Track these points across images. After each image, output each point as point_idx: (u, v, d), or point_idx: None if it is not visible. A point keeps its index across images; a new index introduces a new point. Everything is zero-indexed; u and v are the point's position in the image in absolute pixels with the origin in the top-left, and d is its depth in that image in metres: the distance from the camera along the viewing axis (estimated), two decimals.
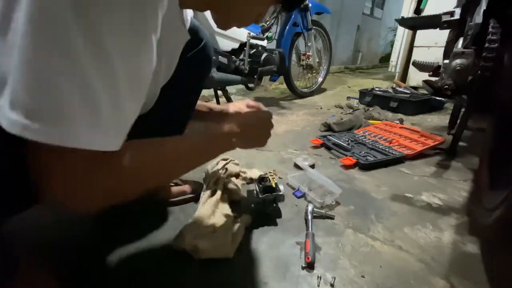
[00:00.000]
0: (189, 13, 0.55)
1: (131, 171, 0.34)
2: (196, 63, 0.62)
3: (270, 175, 0.75)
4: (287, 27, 2.09)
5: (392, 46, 3.60)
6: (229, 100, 1.79)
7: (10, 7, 0.25)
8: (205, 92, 2.12)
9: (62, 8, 0.24)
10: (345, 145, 1.18)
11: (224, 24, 0.47)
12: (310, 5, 2.11)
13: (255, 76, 1.76)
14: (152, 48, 0.32)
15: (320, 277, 0.53)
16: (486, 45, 0.87)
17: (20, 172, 0.34)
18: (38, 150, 0.27)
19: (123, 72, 0.29)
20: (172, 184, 0.76)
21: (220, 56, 1.55)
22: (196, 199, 0.76)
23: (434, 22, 1.31)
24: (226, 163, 0.86)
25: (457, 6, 1.23)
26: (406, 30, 2.99)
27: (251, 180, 0.87)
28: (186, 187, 0.77)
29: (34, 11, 0.24)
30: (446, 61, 1.09)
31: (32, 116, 0.25)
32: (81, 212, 0.32)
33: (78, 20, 0.25)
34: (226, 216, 0.65)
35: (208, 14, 0.46)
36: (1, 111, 0.25)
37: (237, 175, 0.86)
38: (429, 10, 1.75)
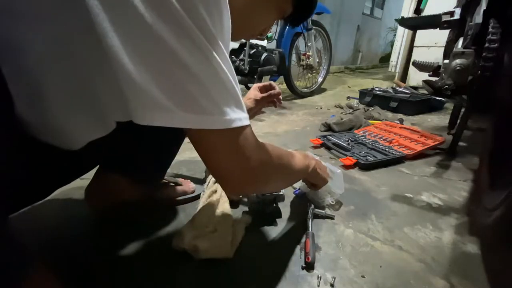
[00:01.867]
0: None
1: (272, 164, 0.43)
2: None
3: None
4: (287, 27, 2.09)
5: (392, 46, 3.59)
6: None
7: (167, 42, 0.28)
8: None
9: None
10: (345, 145, 1.18)
11: (231, 35, 0.49)
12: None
13: (255, 76, 1.77)
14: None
15: (320, 277, 0.53)
16: (486, 45, 0.87)
17: (21, 171, 0.35)
18: (207, 138, 0.34)
19: (226, 57, 0.33)
20: (172, 184, 0.76)
21: None
22: (196, 199, 0.76)
23: (434, 22, 1.31)
24: None
25: (457, 6, 1.23)
26: (406, 30, 2.98)
27: None
28: (186, 187, 0.77)
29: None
30: (446, 61, 1.09)
31: (205, 111, 0.31)
32: (239, 192, 0.43)
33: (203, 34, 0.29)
34: (226, 216, 0.65)
35: None
36: (171, 113, 0.30)
37: None
38: (429, 10, 1.75)
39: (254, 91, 0.76)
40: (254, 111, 0.77)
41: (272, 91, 0.74)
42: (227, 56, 0.33)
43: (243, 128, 0.36)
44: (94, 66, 0.34)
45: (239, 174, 0.38)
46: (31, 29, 0.30)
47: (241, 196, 0.77)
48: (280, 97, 0.73)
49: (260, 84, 0.75)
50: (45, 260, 0.37)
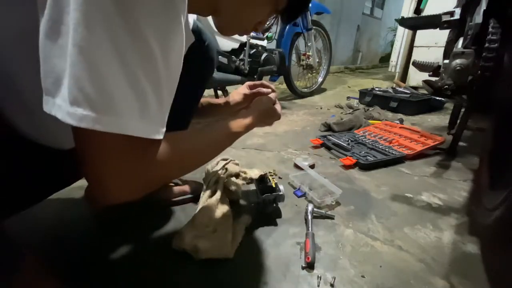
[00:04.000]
0: (191, 15, 0.55)
1: (165, 161, 0.36)
2: (199, 65, 0.62)
3: (270, 175, 0.75)
4: (287, 27, 2.09)
5: (392, 46, 3.59)
6: None
7: (60, 11, 0.25)
8: (205, 92, 2.12)
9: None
10: (345, 145, 1.18)
11: (225, 30, 0.49)
12: (310, 5, 2.11)
13: (255, 76, 1.77)
14: (183, 31, 0.32)
15: (320, 277, 0.53)
16: (486, 45, 0.87)
17: (21, 172, 0.35)
18: (87, 140, 0.29)
19: (161, 59, 0.29)
20: (172, 184, 0.76)
21: (220, 56, 1.55)
22: (196, 199, 0.76)
23: (434, 22, 1.31)
24: (226, 163, 0.86)
25: (457, 6, 1.23)
26: (406, 30, 2.98)
27: (251, 180, 0.87)
28: (186, 187, 0.77)
29: (82, 4, 0.24)
30: (446, 61, 1.09)
31: (90, 106, 0.26)
32: (118, 201, 0.34)
33: (118, 8, 0.25)
34: (226, 216, 0.65)
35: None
36: (61, 108, 0.26)
37: (237, 175, 0.86)
38: (429, 10, 1.75)
39: (244, 87, 0.74)
40: (241, 106, 0.73)
41: (262, 88, 0.70)
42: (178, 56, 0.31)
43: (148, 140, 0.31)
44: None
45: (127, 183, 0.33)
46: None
47: (240, 196, 0.77)
48: (275, 94, 0.67)
49: (251, 83, 0.73)
50: (44, 259, 0.37)
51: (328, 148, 1.21)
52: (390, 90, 2.13)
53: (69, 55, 0.25)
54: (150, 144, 0.32)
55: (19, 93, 0.33)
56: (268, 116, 0.60)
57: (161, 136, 0.32)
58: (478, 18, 0.94)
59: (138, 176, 0.33)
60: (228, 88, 1.81)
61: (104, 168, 0.30)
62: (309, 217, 0.68)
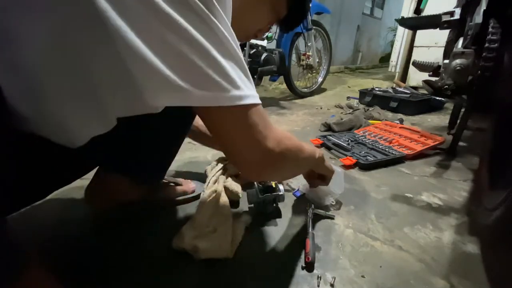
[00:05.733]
0: None
1: (288, 143, 0.42)
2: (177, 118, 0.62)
3: None
4: None
5: (392, 46, 3.59)
6: None
7: None
8: None
9: None
10: (345, 145, 1.18)
11: None
12: (310, 5, 2.11)
13: (255, 76, 1.77)
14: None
15: (320, 277, 0.53)
16: (486, 45, 0.87)
17: (20, 170, 0.34)
18: (222, 116, 0.34)
19: (228, 24, 0.33)
20: (172, 184, 0.76)
21: None
22: (196, 199, 0.76)
23: (434, 22, 1.31)
24: (226, 163, 0.86)
25: (457, 6, 1.23)
26: (406, 30, 2.99)
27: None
28: (186, 187, 0.77)
29: None
30: (446, 61, 1.09)
31: (219, 87, 0.31)
32: (257, 176, 0.44)
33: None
34: (226, 216, 0.65)
35: None
36: (184, 93, 0.30)
37: (237, 175, 0.86)
38: (429, 10, 1.75)
39: None
40: None
41: None
42: (231, 29, 0.33)
43: (257, 105, 0.35)
44: (96, 55, 0.32)
45: (258, 154, 0.37)
46: (27, 20, 0.29)
47: (240, 196, 0.77)
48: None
49: None
50: (44, 260, 0.37)
51: (328, 148, 1.21)
52: (390, 90, 2.13)
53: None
54: (261, 111, 0.37)
55: (43, 94, 0.32)
56: (327, 168, 0.67)
57: (259, 101, 0.36)
58: (478, 18, 0.94)
59: (266, 146, 0.37)
60: None
61: (239, 142, 0.36)
62: (309, 217, 0.68)
